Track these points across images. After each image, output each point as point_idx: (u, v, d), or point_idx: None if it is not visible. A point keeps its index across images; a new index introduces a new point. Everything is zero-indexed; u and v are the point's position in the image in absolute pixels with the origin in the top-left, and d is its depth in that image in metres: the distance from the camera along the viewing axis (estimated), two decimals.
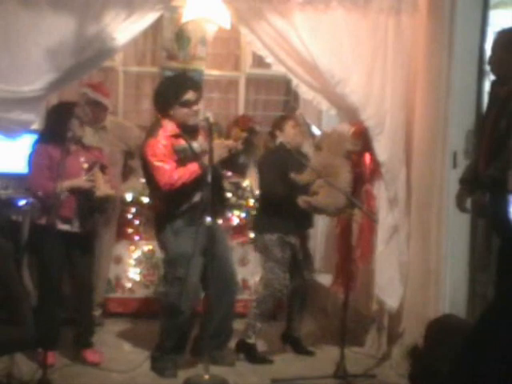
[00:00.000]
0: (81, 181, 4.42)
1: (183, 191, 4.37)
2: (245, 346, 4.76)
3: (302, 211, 4.65)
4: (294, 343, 5.00)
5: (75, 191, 4.40)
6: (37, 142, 4.52)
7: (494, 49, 3.87)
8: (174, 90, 4.47)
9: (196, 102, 4.47)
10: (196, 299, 4.52)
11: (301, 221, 4.80)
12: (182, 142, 4.44)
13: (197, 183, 4.33)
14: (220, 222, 4.69)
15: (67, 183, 4.32)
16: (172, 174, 4.32)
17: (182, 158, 4.39)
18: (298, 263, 4.85)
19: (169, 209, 4.46)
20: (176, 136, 4.43)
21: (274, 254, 4.74)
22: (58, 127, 4.41)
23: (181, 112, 4.43)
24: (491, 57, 3.88)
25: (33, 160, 4.47)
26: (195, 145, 4.49)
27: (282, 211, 4.71)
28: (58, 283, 4.50)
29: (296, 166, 4.65)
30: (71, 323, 4.70)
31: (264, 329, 4.83)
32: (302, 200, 4.57)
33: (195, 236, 4.25)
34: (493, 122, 3.79)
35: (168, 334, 4.50)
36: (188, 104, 4.43)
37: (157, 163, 4.35)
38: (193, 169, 4.35)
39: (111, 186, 4.57)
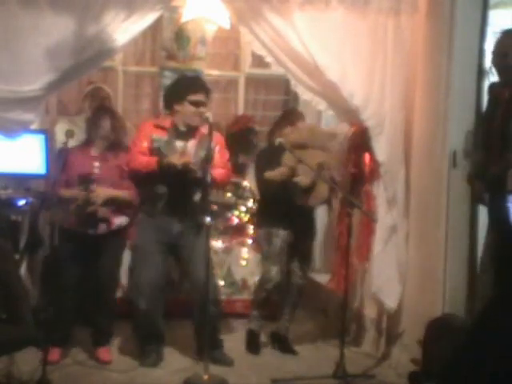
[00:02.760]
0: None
1: (145, 181, 4.48)
2: (248, 333, 4.94)
3: (295, 208, 4.70)
4: (279, 342, 5.00)
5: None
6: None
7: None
8: (187, 87, 4.57)
9: (204, 104, 4.52)
10: (155, 292, 4.52)
11: (292, 217, 4.76)
12: (164, 136, 4.52)
13: (160, 176, 4.41)
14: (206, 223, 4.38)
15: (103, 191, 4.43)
16: (132, 155, 4.50)
17: (156, 148, 4.48)
18: (291, 261, 4.87)
19: (139, 198, 4.63)
20: (162, 128, 4.54)
21: (262, 248, 4.92)
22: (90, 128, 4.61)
23: (188, 109, 4.49)
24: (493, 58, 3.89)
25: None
26: (179, 143, 4.53)
27: (272, 207, 4.77)
28: (72, 283, 4.50)
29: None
30: (86, 323, 4.73)
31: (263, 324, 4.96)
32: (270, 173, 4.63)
33: (148, 228, 4.50)
34: (500, 124, 3.79)
35: (134, 325, 4.68)
36: (197, 104, 4.48)
37: (132, 143, 4.61)
38: (147, 162, 4.44)
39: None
